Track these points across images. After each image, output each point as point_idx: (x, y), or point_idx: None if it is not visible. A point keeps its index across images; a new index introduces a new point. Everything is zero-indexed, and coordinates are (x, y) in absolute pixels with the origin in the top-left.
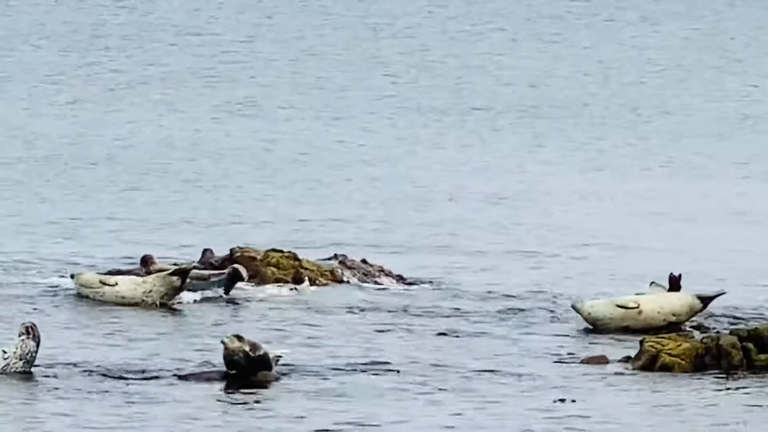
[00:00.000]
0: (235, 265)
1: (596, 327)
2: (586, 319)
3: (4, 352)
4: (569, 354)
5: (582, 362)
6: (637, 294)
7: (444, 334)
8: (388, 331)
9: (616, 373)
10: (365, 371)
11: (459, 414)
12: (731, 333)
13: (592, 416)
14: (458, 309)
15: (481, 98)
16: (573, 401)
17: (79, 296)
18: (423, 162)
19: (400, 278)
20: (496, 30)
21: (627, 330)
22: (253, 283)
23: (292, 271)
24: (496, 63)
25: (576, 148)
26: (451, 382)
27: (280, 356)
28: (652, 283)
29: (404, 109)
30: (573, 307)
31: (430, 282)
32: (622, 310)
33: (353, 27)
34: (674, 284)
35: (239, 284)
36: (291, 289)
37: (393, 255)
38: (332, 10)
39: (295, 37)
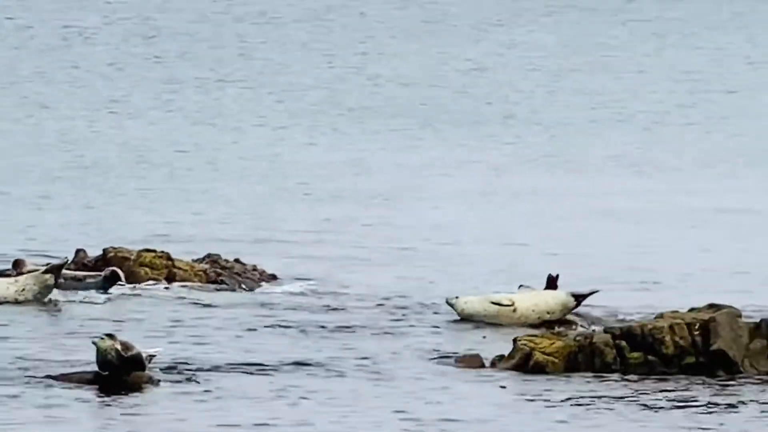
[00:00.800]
0: (113, 267)
1: (471, 323)
2: (461, 315)
3: None
4: (442, 351)
5: (456, 361)
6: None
7: (319, 332)
8: (263, 329)
9: (489, 372)
10: (241, 371)
11: (332, 413)
12: (605, 331)
13: (462, 415)
14: (334, 307)
15: (355, 97)
16: (442, 401)
17: None
18: (298, 161)
19: (273, 277)
20: (371, 29)
21: (501, 327)
22: (126, 283)
23: (165, 270)
24: (372, 62)
25: (451, 147)
26: (325, 381)
27: (153, 355)
28: (521, 286)
29: (277, 110)
30: (448, 302)
31: (306, 280)
32: (497, 307)
33: (226, 24)
34: (552, 284)
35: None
36: (165, 288)
37: (267, 254)
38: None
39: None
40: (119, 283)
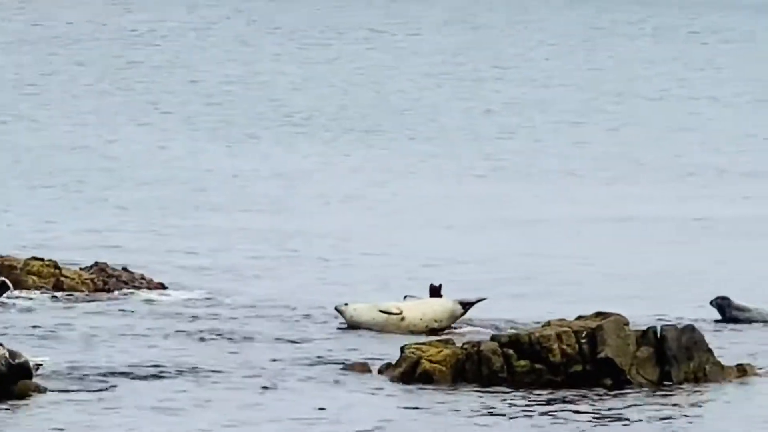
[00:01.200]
0: (2, 278)
1: (359, 330)
2: (349, 323)
3: None
4: (330, 359)
5: (344, 368)
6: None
7: (209, 340)
8: (153, 337)
9: (376, 380)
10: (131, 378)
11: (219, 420)
12: (492, 339)
13: (349, 422)
14: (224, 315)
15: (241, 107)
16: (328, 408)
17: None
18: (188, 168)
19: (162, 286)
20: (258, 37)
21: (389, 335)
22: (12, 292)
23: (52, 279)
24: (260, 71)
25: (343, 154)
26: (212, 389)
27: (40, 364)
28: (406, 296)
29: (164, 118)
30: (337, 309)
31: (195, 289)
32: (385, 316)
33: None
34: (435, 294)
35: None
36: (51, 297)
37: (157, 262)
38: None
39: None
40: (7, 294)
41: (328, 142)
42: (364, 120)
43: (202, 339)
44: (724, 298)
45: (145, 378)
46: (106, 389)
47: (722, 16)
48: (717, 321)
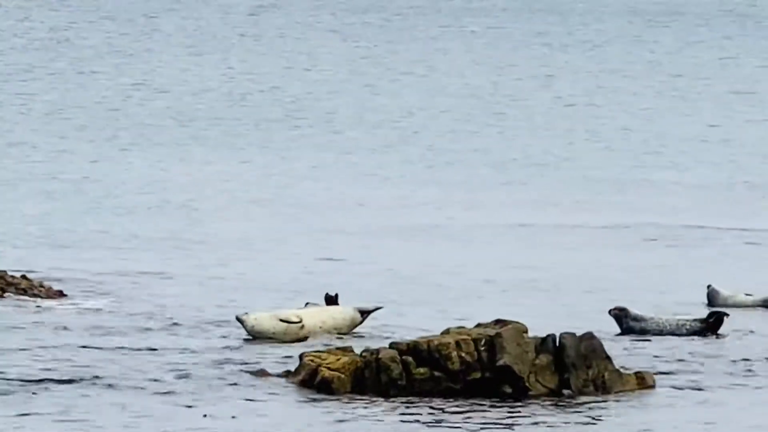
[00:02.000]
0: None
1: (260, 339)
2: (250, 332)
3: None
4: (230, 367)
5: (249, 373)
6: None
7: (110, 348)
8: (52, 346)
9: (275, 387)
10: (29, 388)
11: (117, 428)
12: (390, 346)
13: (245, 429)
14: (126, 323)
15: (142, 113)
16: (232, 417)
17: None
18: (87, 176)
19: (61, 294)
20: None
21: (289, 343)
22: None
23: None
24: (157, 77)
25: (241, 159)
26: (113, 396)
27: None
28: (307, 303)
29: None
30: (237, 318)
31: (101, 296)
32: (285, 324)
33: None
34: (331, 304)
35: None
36: None
37: (59, 270)
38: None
39: None
40: None
41: (227, 147)
42: (261, 125)
43: (104, 347)
44: (622, 309)
45: (44, 387)
46: (3, 399)
47: (625, 23)
48: (617, 334)
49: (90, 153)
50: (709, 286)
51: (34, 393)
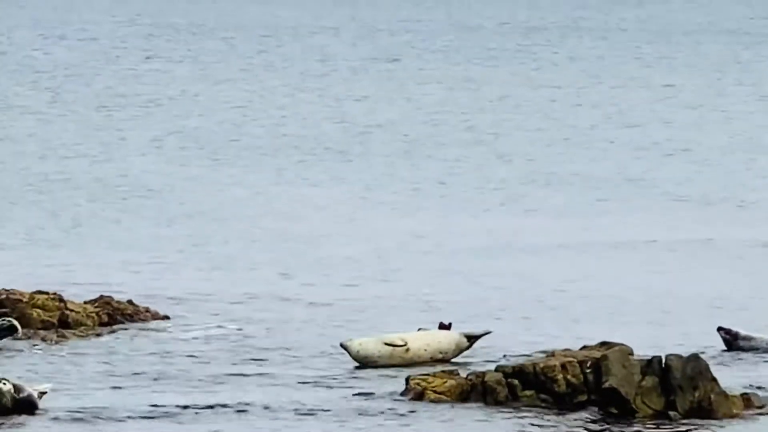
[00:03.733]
0: (11, 319)
1: (365, 365)
2: (355, 358)
3: None
4: (338, 392)
5: (352, 399)
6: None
7: (233, 377)
8: (165, 375)
9: (385, 410)
10: (146, 416)
11: None
12: (496, 369)
13: None
14: (256, 349)
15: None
16: None
17: None
18: None
19: (167, 318)
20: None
21: (395, 367)
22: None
23: (57, 312)
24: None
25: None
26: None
27: (44, 392)
28: (420, 329)
29: None
30: (342, 345)
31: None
32: (390, 348)
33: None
34: (443, 329)
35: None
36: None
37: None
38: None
39: None
40: (15, 335)
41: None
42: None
43: (219, 377)
44: (730, 331)
45: (160, 415)
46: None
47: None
48: (723, 350)
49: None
50: None
51: (150, 422)
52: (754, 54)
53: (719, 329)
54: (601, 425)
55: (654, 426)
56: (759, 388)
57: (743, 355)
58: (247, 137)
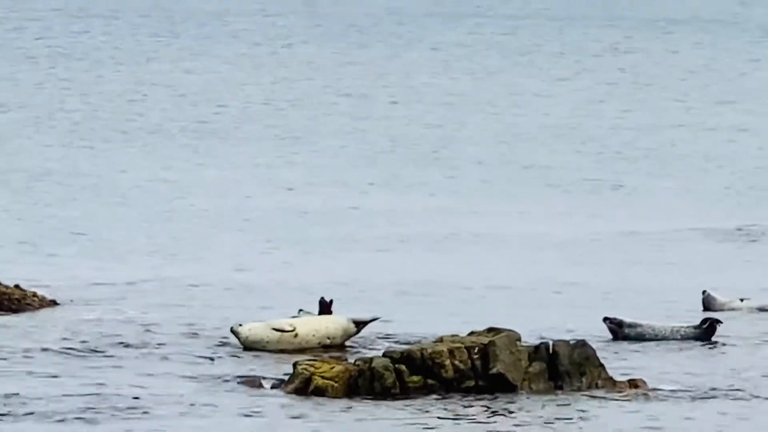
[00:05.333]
0: None
1: (254, 350)
2: (244, 343)
3: None
4: (224, 376)
5: (239, 383)
6: (293, 317)
7: (113, 356)
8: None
9: (269, 396)
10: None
11: None
12: (384, 355)
13: None
14: (132, 331)
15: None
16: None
17: None
18: None
19: (54, 303)
20: None
21: (284, 352)
22: None
23: None
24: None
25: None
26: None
27: None
28: (301, 310)
29: None
30: (232, 330)
31: (93, 305)
32: (279, 333)
33: None
34: (324, 309)
35: None
36: None
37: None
38: None
39: None
40: None
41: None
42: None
43: (103, 358)
44: (615, 320)
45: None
46: None
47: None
48: (611, 340)
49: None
50: (704, 292)
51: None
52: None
53: (605, 319)
54: (488, 410)
55: (540, 411)
56: (645, 374)
57: (630, 342)
58: (141, 120)
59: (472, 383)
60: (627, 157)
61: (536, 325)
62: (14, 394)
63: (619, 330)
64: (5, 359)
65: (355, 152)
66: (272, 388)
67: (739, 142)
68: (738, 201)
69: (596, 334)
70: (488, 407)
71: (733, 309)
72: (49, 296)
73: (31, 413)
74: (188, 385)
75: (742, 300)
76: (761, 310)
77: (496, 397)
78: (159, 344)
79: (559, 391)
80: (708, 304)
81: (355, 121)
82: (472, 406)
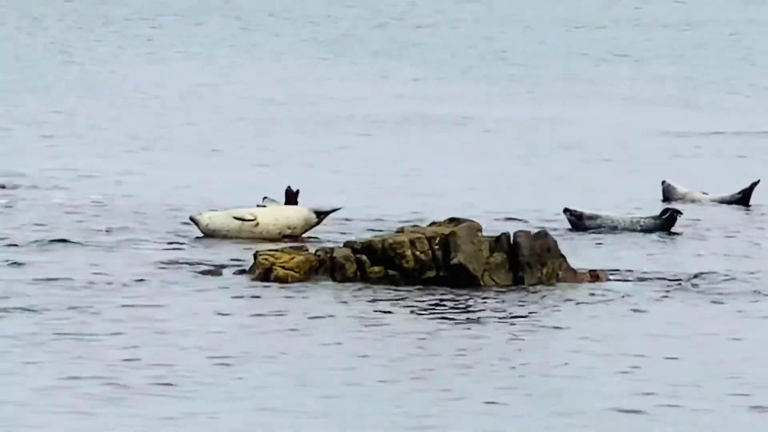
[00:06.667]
0: None
1: (214, 238)
2: (204, 231)
3: None
4: (185, 266)
5: (198, 274)
6: (258, 206)
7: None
8: None
9: (228, 286)
10: None
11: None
12: (345, 245)
13: (201, 325)
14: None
15: None
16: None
17: None
18: None
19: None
20: None
21: (244, 242)
22: None
23: None
24: None
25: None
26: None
27: None
28: (265, 198)
29: None
30: (191, 218)
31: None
32: (239, 222)
33: None
34: (290, 198)
35: None
36: None
37: None
38: None
39: None
40: None
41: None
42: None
43: (50, 246)
44: (575, 211)
45: None
46: None
47: None
48: (569, 229)
49: None
50: (664, 182)
51: None
52: None
53: (565, 211)
54: (449, 301)
55: (500, 301)
56: (605, 265)
57: (590, 234)
58: None
59: (432, 274)
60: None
61: (497, 215)
62: None
63: (578, 222)
64: None
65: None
66: (234, 274)
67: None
68: None
69: (555, 227)
70: (448, 298)
71: (693, 200)
72: None
73: None
74: (147, 271)
75: (704, 194)
76: (722, 202)
77: (456, 288)
78: (119, 228)
79: (520, 285)
80: (668, 194)
81: None
82: (432, 296)
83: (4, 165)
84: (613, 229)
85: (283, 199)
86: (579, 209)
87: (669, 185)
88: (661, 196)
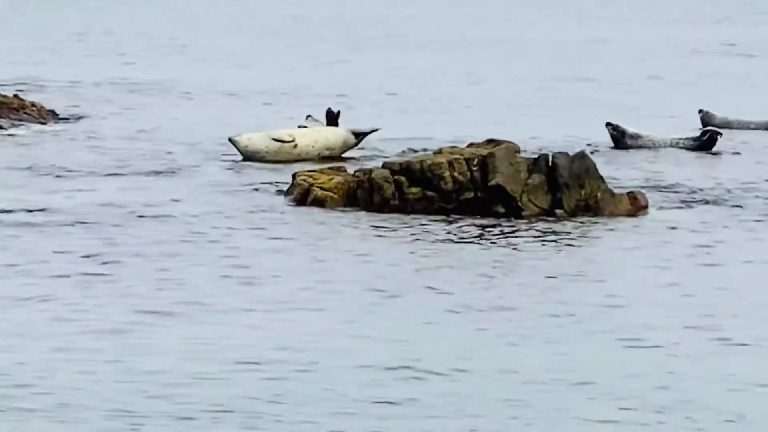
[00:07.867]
0: None
1: (253, 160)
2: (243, 153)
3: None
4: (223, 185)
5: (236, 194)
6: (300, 126)
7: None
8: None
9: (270, 206)
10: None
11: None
12: (383, 166)
13: (245, 247)
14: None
15: None
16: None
17: None
18: None
19: (54, 114)
20: None
21: (282, 163)
22: None
23: None
24: None
25: None
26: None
27: None
28: (308, 116)
29: None
30: (230, 140)
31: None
32: (278, 144)
33: None
34: (331, 119)
35: None
36: None
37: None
38: None
39: None
40: None
41: None
42: None
43: (94, 176)
44: (618, 126)
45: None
46: None
47: None
48: (611, 147)
49: None
50: (701, 111)
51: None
52: None
53: (607, 125)
54: (489, 225)
55: (538, 223)
56: (645, 187)
57: (630, 152)
58: None
59: (471, 195)
60: None
61: (535, 136)
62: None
63: (621, 138)
64: None
65: None
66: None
67: None
68: None
69: (597, 141)
70: (487, 225)
71: (730, 125)
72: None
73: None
74: (186, 193)
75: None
76: (760, 127)
77: (495, 213)
78: (166, 153)
79: (559, 210)
80: (707, 121)
81: None
82: (472, 222)
83: None
84: (654, 149)
85: (323, 119)
86: (622, 126)
87: (707, 113)
88: (699, 125)
